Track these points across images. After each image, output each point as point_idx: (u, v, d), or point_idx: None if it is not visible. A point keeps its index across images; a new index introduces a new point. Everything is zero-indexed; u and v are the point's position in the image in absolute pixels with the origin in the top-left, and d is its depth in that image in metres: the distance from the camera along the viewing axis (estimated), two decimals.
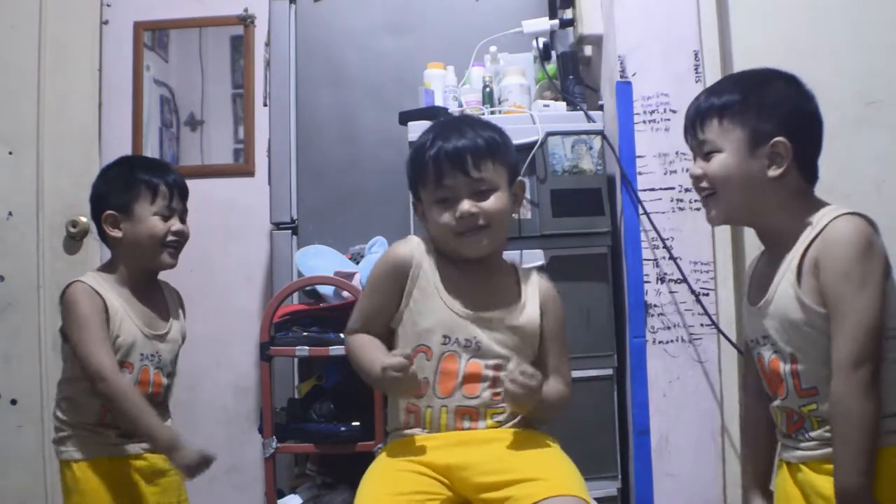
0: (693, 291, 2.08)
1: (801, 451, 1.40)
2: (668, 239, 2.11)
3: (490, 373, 1.51)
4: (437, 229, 1.55)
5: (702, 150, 1.46)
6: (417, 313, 1.54)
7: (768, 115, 1.40)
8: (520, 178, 1.63)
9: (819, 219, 1.37)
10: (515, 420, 1.53)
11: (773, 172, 1.40)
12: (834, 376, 1.30)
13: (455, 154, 1.51)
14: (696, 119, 1.46)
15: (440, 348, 1.51)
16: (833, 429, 1.31)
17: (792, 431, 1.42)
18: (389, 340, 1.58)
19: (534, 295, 1.60)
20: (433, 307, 1.53)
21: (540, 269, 1.96)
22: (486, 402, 1.50)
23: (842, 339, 1.30)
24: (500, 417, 1.51)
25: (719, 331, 2.06)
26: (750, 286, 1.53)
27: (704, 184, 1.45)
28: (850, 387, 1.28)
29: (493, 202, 1.53)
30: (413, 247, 1.58)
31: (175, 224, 1.87)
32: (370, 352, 1.54)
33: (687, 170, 2.12)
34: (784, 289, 1.38)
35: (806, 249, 1.36)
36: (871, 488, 1.27)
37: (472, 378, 1.50)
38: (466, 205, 1.51)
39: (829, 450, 1.34)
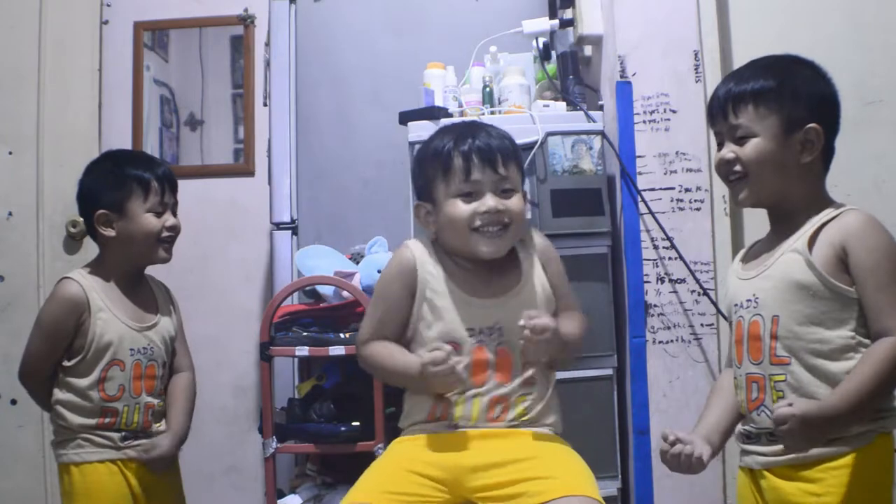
0: (700, 287, 2.07)
1: (764, 456, 1.40)
2: (671, 238, 2.11)
3: (520, 359, 1.52)
4: (452, 223, 1.54)
5: (733, 135, 1.46)
6: (436, 314, 1.54)
7: (801, 102, 1.42)
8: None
9: (838, 205, 1.42)
10: (541, 406, 1.53)
11: (806, 158, 1.42)
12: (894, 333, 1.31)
13: (487, 150, 1.53)
14: (728, 103, 1.46)
15: (468, 341, 1.52)
16: (860, 363, 1.31)
17: (752, 408, 1.42)
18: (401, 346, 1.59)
19: (535, 259, 1.62)
20: (449, 305, 1.54)
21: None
22: (517, 388, 1.52)
23: None
24: (527, 403, 1.52)
25: (723, 317, 2.04)
26: (744, 261, 1.54)
27: (737, 167, 1.46)
28: None
29: (516, 202, 1.55)
30: (413, 250, 1.59)
31: (169, 219, 1.87)
32: (401, 355, 1.55)
33: (687, 170, 2.13)
34: (790, 255, 1.40)
35: (822, 226, 1.38)
36: (834, 428, 1.29)
37: (503, 365, 1.52)
38: (492, 200, 1.52)
39: (796, 455, 1.33)
